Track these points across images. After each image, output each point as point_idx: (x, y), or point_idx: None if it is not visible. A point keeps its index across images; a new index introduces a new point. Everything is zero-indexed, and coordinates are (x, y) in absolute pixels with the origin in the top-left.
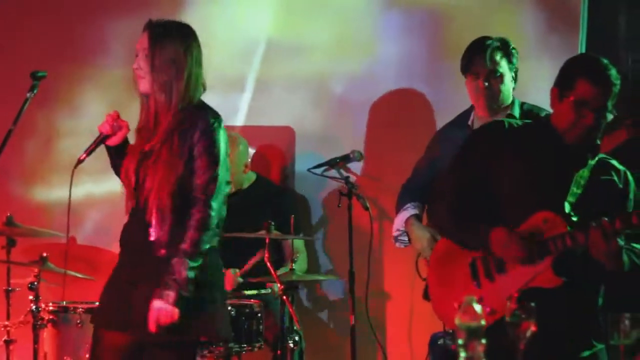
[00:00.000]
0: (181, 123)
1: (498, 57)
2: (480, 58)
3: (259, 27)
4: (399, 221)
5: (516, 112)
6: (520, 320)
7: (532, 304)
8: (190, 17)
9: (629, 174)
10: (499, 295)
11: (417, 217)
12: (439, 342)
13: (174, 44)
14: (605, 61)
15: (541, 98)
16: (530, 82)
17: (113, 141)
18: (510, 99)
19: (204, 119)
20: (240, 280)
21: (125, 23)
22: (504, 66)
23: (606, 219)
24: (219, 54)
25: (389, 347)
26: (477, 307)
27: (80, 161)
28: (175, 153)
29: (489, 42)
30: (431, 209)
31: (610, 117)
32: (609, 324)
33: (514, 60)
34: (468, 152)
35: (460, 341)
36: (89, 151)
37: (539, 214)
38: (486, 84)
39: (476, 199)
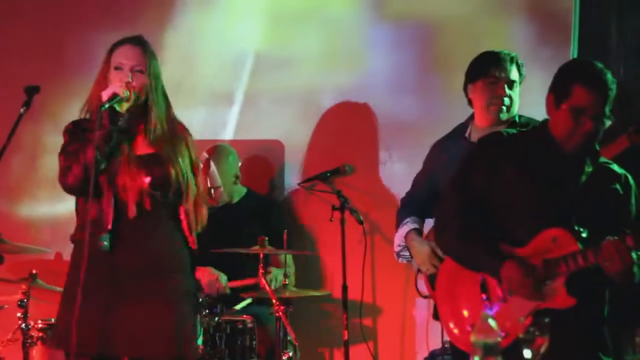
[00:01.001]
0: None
1: (514, 68)
2: (500, 65)
3: (247, 41)
4: (399, 236)
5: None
6: (534, 337)
7: (546, 320)
8: (179, 31)
9: (629, 177)
10: (511, 317)
11: (417, 231)
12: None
13: (156, 60)
14: (600, 65)
15: (533, 110)
16: (522, 94)
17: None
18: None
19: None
20: (229, 292)
21: (112, 37)
22: (517, 78)
23: (617, 237)
24: (207, 67)
25: None
26: (493, 324)
27: (102, 108)
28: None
29: (505, 52)
30: (438, 237)
31: (608, 123)
32: (624, 339)
33: (522, 74)
34: (469, 169)
35: (476, 358)
36: (109, 103)
37: (547, 231)
38: (508, 91)
39: (482, 218)
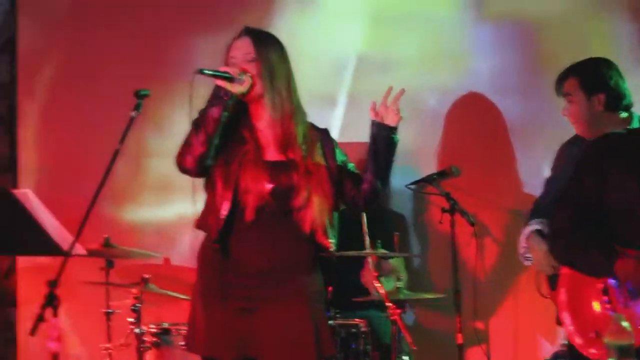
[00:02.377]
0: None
1: None
2: None
3: (349, 42)
4: (523, 238)
5: (636, 126)
6: None
7: None
8: (279, 33)
9: None
10: (633, 322)
11: (539, 232)
12: None
13: (277, 49)
14: None
15: (637, 110)
16: None
17: (236, 88)
18: None
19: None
20: None
21: (213, 39)
22: None
23: None
24: (309, 69)
25: None
26: (627, 325)
27: (201, 71)
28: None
29: None
30: (550, 245)
31: None
32: None
33: None
34: (579, 175)
35: None
36: (212, 72)
37: None
38: None
39: (595, 223)
